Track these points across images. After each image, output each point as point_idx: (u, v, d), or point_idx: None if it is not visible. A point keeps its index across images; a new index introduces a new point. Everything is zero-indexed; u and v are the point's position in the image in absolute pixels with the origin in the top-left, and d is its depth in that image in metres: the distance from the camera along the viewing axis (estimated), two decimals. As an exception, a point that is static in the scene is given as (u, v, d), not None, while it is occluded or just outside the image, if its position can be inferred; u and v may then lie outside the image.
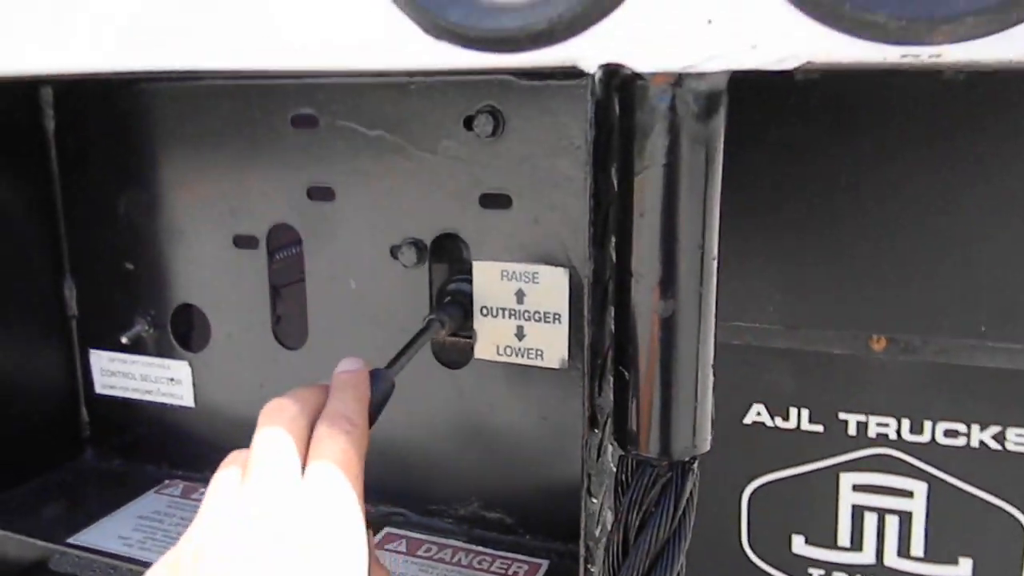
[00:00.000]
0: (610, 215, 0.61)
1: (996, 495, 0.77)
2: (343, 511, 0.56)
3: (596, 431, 0.64)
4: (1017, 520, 0.77)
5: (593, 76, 0.57)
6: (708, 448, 0.63)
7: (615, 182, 0.60)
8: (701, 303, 0.60)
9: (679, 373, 0.60)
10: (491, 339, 0.85)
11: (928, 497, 0.79)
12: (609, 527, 0.65)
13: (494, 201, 0.83)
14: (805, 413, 0.81)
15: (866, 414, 0.79)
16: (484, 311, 0.85)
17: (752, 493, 0.84)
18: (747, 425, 0.83)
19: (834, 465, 0.81)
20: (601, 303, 0.62)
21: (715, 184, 0.58)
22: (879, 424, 0.79)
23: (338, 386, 0.64)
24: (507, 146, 0.81)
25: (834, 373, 0.79)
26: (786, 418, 0.82)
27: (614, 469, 0.66)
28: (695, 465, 0.63)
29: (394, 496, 0.93)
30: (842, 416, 0.80)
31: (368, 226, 0.89)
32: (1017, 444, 0.76)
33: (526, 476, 0.88)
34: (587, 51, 0.56)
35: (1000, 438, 0.76)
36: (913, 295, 0.75)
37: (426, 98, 0.83)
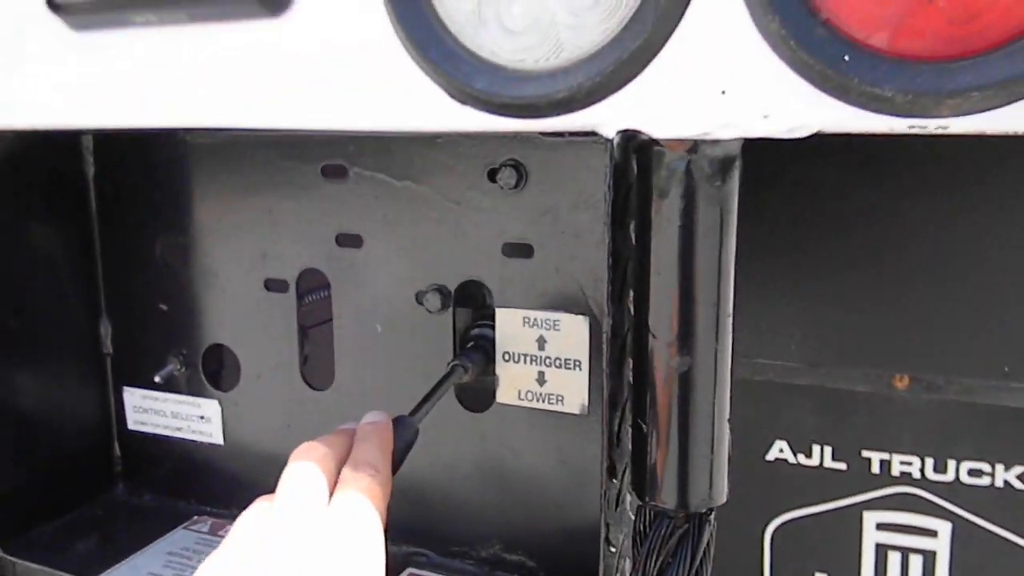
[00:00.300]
0: (628, 271, 0.63)
1: (1020, 535, 0.78)
2: (366, 539, 0.59)
3: (615, 481, 0.66)
4: None
5: (612, 141, 0.59)
6: (724, 500, 0.64)
7: (633, 239, 0.62)
8: (717, 359, 0.61)
9: (695, 427, 0.62)
10: (513, 384, 0.87)
11: (952, 537, 0.79)
12: (628, 575, 0.67)
13: (517, 250, 0.86)
14: (828, 451, 0.82)
15: (889, 452, 0.80)
16: (506, 356, 0.87)
17: (775, 530, 0.85)
18: (770, 462, 0.84)
19: (858, 503, 0.82)
20: (619, 355, 0.64)
21: (730, 244, 0.60)
22: (903, 463, 0.80)
23: (362, 436, 0.67)
24: (529, 198, 0.84)
25: (857, 411, 0.80)
26: (809, 455, 0.83)
27: (633, 517, 0.67)
28: (712, 516, 0.64)
29: (417, 537, 0.95)
30: (865, 454, 0.81)
31: (394, 272, 0.92)
32: None
33: (547, 519, 0.90)
34: (606, 118, 0.58)
35: None
36: (936, 334, 0.76)
37: (452, 151, 0.86)
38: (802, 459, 0.83)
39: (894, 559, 0.82)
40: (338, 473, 0.63)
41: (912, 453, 0.79)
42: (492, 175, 0.84)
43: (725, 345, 0.62)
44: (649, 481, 0.63)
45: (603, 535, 0.65)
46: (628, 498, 0.68)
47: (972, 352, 0.76)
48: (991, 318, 0.75)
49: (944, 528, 0.80)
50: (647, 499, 0.64)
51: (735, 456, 0.83)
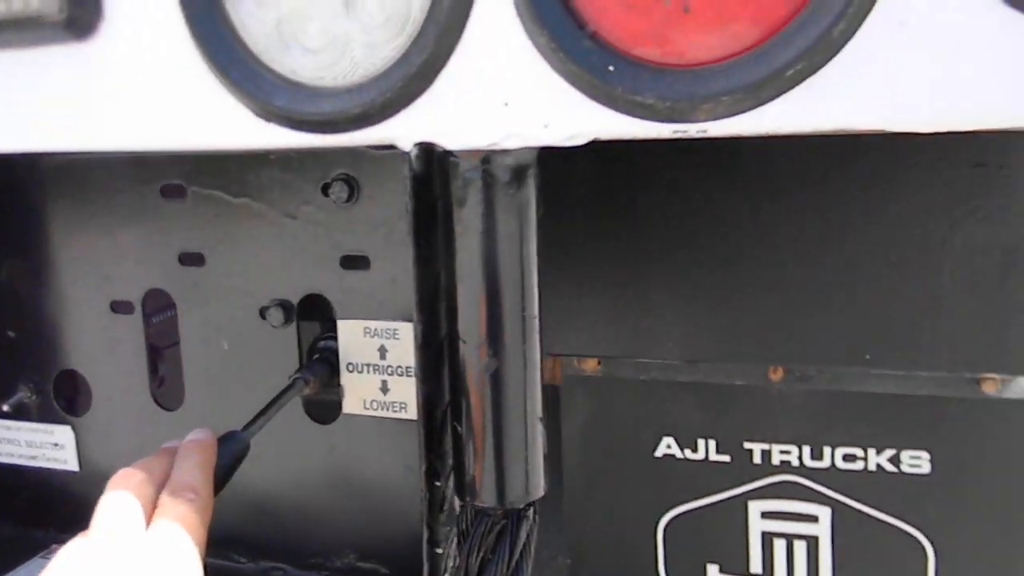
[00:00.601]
0: (441, 279, 0.65)
1: (896, 516, 0.81)
2: (181, 567, 0.59)
3: (438, 484, 0.68)
4: (917, 540, 0.81)
5: (410, 154, 0.61)
6: (542, 494, 0.66)
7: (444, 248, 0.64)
8: (525, 360, 0.64)
9: (508, 426, 0.64)
10: (358, 394, 0.88)
11: (832, 521, 0.83)
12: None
13: (354, 263, 0.87)
14: (712, 444, 0.85)
15: (769, 442, 0.83)
16: (350, 367, 0.88)
17: (667, 524, 0.88)
18: (658, 458, 0.86)
19: (742, 493, 0.85)
20: (435, 362, 0.66)
21: (530, 248, 0.63)
22: (782, 452, 0.83)
23: (183, 455, 0.67)
24: (363, 211, 0.85)
25: (737, 404, 0.84)
26: (695, 449, 0.85)
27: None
28: (530, 511, 0.67)
29: (272, 551, 0.95)
30: (747, 445, 0.84)
31: (237, 289, 0.92)
32: (912, 466, 0.80)
33: (397, 526, 0.91)
34: (402, 131, 0.60)
35: (895, 461, 0.80)
36: (805, 327, 0.80)
37: (285, 167, 0.87)
38: (688, 453, 0.85)
39: (780, 546, 0.85)
40: (158, 496, 0.64)
41: (790, 442, 0.82)
42: (325, 189, 0.86)
43: (533, 345, 0.64)
44: (468, 481, 0.65)
45: (425, 537, 0.67)
46: (456, 499, 0.69)
47: (837, 342, 0.79)
48: (851, 309, 0.79)
49: (824, 513, 0.83)
50: (467, 499, 0.65)
51: (626, 454, 0.86)
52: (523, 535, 0.65)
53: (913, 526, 0.81)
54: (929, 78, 0.49)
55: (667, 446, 0.86)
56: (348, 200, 0.84)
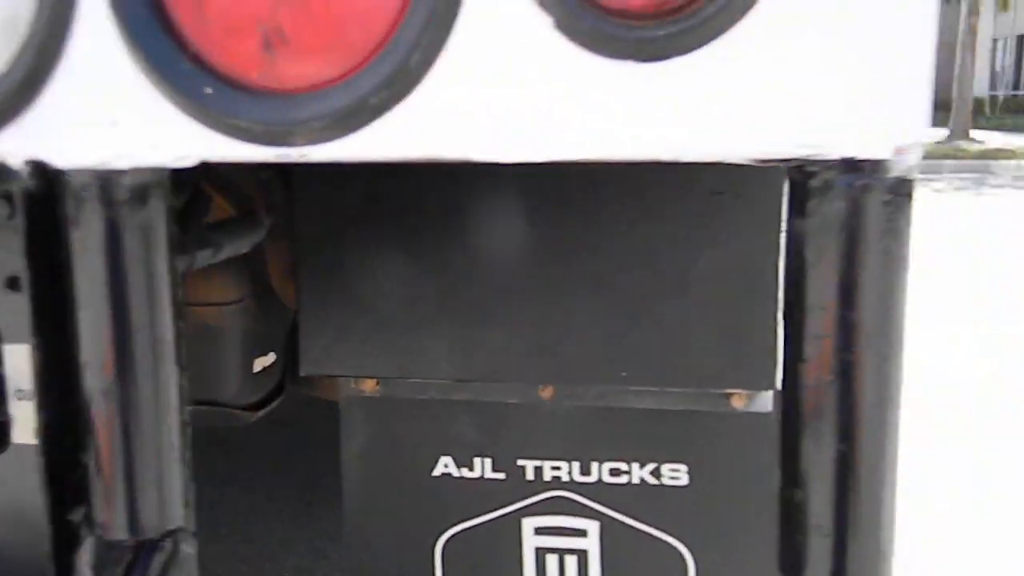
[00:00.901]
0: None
1: (659, 528, 0.84)
2: None
3: (70, 517, 0.65)
4: (677, 550, 0.84)
5: (21, 172, 0.59)
6: (181, 523, 0.65)
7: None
8: (157, 383, 0.62)
9: (139, 454, 0.62)
10: (29, 423, 0.84)
11: (601, 535, 0.85)
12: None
13: (19, 284, 0.82)
14: (488, 462, 0.86)
15: (541, 459, 0.85)
16: (19, 394, 0.83)
17: (445, 543, 0.88)
18: (436, 477, 0.86)
19: (516, 510, 0.86)
20: (59, 388, 0.63)
21: (160, 269, 0.61)
22: (553, 468, 0.84)
23: None
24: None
25: (511, 422, 0.85)
26: (471, 468, 0.86)
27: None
28: (168, 541, 0.65)
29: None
30: (520, 462, 0.85)
31: None
32: (672, 479, 0.83)
33: (73, 560, 0.87)
34: (8, 147, 0.58)
35: (657, 474, 0.83)
36: (569, 346, 0.82)
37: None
38: (465, 472, 0.85)
39: (552, 561, 0.86)
40: None
41: (561, 458, 0.84)
42: (-16, 207, 0.81)
43: (165, 368, 0.62)
44: (99, 513, 0.63)
45: (54, 574, 0.64)
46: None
47: (599, 361, 0.82)
48: (611, 329, 0.81)
49: (593, 527, 0.85)
50: (96, 532, 0.63)
51: (405, 474, 0.85)
52: (156, 567, 0.63)
53: (674, 536, 0.84)
54: (501, 108, 0.51)
55: (444, 465, 0.86)
56: (9, 218, 0.80)
